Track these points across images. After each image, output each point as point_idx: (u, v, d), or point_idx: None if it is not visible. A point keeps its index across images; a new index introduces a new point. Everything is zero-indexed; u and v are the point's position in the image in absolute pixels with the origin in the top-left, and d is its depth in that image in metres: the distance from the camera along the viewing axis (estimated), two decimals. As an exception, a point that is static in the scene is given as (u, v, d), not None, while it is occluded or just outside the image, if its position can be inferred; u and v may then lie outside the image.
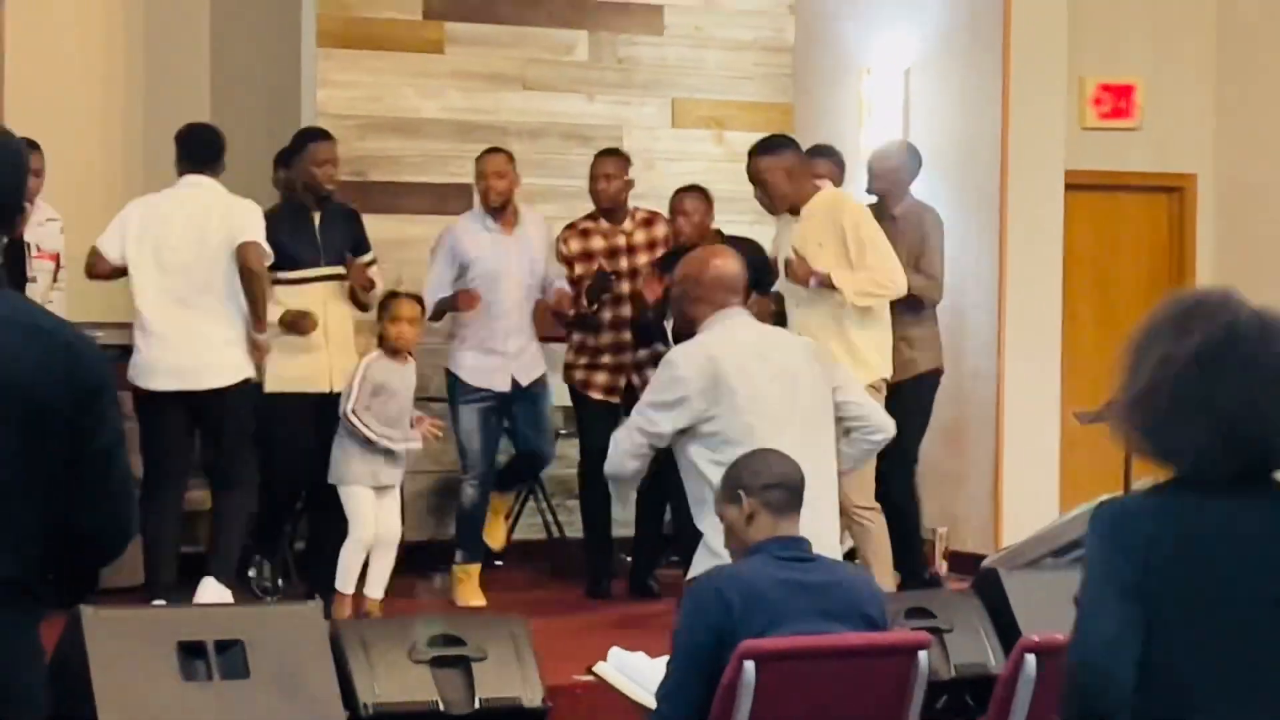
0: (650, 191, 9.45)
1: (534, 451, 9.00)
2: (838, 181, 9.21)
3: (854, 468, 6.75)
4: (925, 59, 10.23)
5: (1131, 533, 3.29)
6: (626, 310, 9.02)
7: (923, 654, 5.27)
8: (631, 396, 8.74)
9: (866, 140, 10.00)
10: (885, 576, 8.31)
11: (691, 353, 6.37)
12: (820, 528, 5.81)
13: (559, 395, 9.26)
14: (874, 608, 5.30)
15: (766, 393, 6.29)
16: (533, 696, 6.19)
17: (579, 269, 9.01)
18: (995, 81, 9.82)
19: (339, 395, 8.20)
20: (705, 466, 6.25)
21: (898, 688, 5.25)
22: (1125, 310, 10.15)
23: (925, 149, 9.51)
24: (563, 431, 9.62)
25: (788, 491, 5.31)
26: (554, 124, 10.04)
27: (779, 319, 8.18)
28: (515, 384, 8.79)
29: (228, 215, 8.02)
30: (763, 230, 8.91)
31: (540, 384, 8.95)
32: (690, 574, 6.23)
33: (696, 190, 8.97)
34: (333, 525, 8.27)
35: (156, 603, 7.82)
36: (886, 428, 6.61)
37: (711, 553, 6.16)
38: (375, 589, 8.05)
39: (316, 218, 8.53)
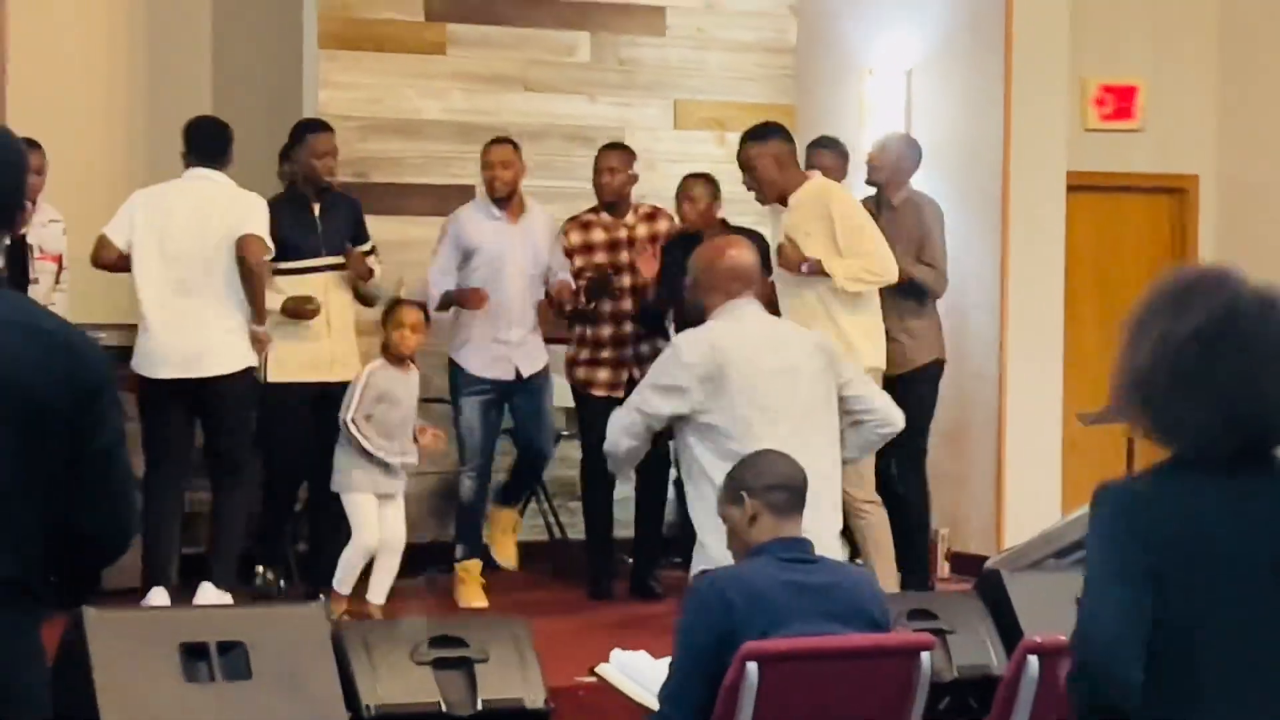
0: (652, 193, 9.45)
1: (533, 446, 8.99)
2: (841, 174, 9.26)
3: (859, 456, 6.77)
4: (927, 60, 10.23)
5: (1135, 513, 3.29)
6: (628, 304, 9.03)
7: (925, 655, 5.27)
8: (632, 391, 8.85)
9: (868, 141, 9.99)
10: (887, 570, 8.33)
11: (697, 340, 6.41)
12: (819, 526, 5.82)
13: (561, 396, 9.26)
14: (877, 609, 5.30)
15: (767, 387, 6.31)
16: (535, 698, 6.19)
17: (579, 261, 9.04)
18: (997, 82, 9.82)
19: (340, 384, 8.25)
20: (701, 456, 6.29)
21: (900, 689, 5.25)
22: (1127, 311, 10.14)
23: (927, 150, 9.51)
24: (565, 433, 9.62)
25: (790, 493, 5.31)
26: (556, 125, 10.04)
27: (771, 308, 8.21)
28: (518, 374, 8.80)
29: (231, 207, 8.05)
30: (765, 230, 8.91)
31: (542, 377, 8.95)
32: (691, 569, 6.25)
33: (704, 178, 9.01)
34: (334, 525, 8.29)
35: (155, 589, 7.82)
36: (895, 420, 6.62)
37: (703, 546, 6.18)
38: (377, 594, 8.06)
39: (317, 208, 8.59)
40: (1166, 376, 3.29)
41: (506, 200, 8.81)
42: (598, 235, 9.12)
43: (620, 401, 8.82)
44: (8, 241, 8.34)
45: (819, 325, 7.79)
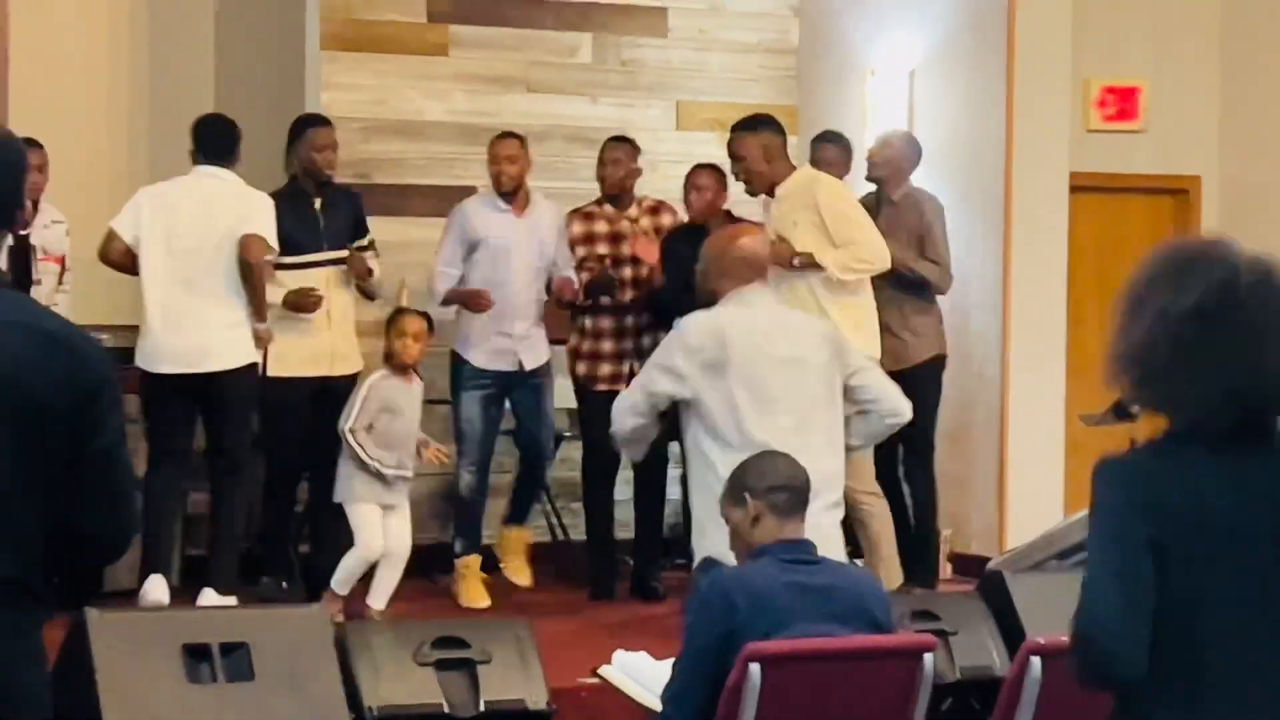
0: (654, 194, 9.44)
1: (534, 443, 8.97)
2: (845, 168, 9.29)
3: (865, 444, 6.77)
4: (930, 61, 10.23)
5: (1136, 485, 3.29)
6: (628, 295, 9.05)
7: (928, 656, 5.27)
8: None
9: (870, 141, 10.00)
10: (889, 561, 8.36)
11: (702, 323, 6.44)
12: (818, 520, 5.84)
13: (562, 398, 9.26)
14: (879, 610, 5.30)
15: (771, 376, 6.33)
16: (537, 699, 6.19)
17: (581, 251, 9.05)
18: (1000, 84, 9.82)
19: (341, 379, 8.26)
20: (701, 441, 6.34)
21: (903, 690, 5.25)
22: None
23: (930, 151, 9.51)
24: (567, 434, 9.62)
25: (792, 494, 5.32)
26: (558, 126, 10.04)
27: None
28: (520, 366, 8.81)
29: (237, 205, 8.08)
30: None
31: (544, 372, 8.94)
32: (696, 554, 6.26)
33: (712, 168, 9.03)
34: (335, 526, 8.30)
35: (153, 576, 7.81)
36: (903, 410, 6.62)
37: (703, 532, 6.19)
38: (379, 600, 8.06)
39: (318, 203, 8.61)
40: (1166, 351, 3.29)
41: (513, 194, 8.83)
42: (600, 226, 9.14)
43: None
44: (11, 242, 8.40)
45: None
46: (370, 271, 8.63)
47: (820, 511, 6.06)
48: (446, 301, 8.78)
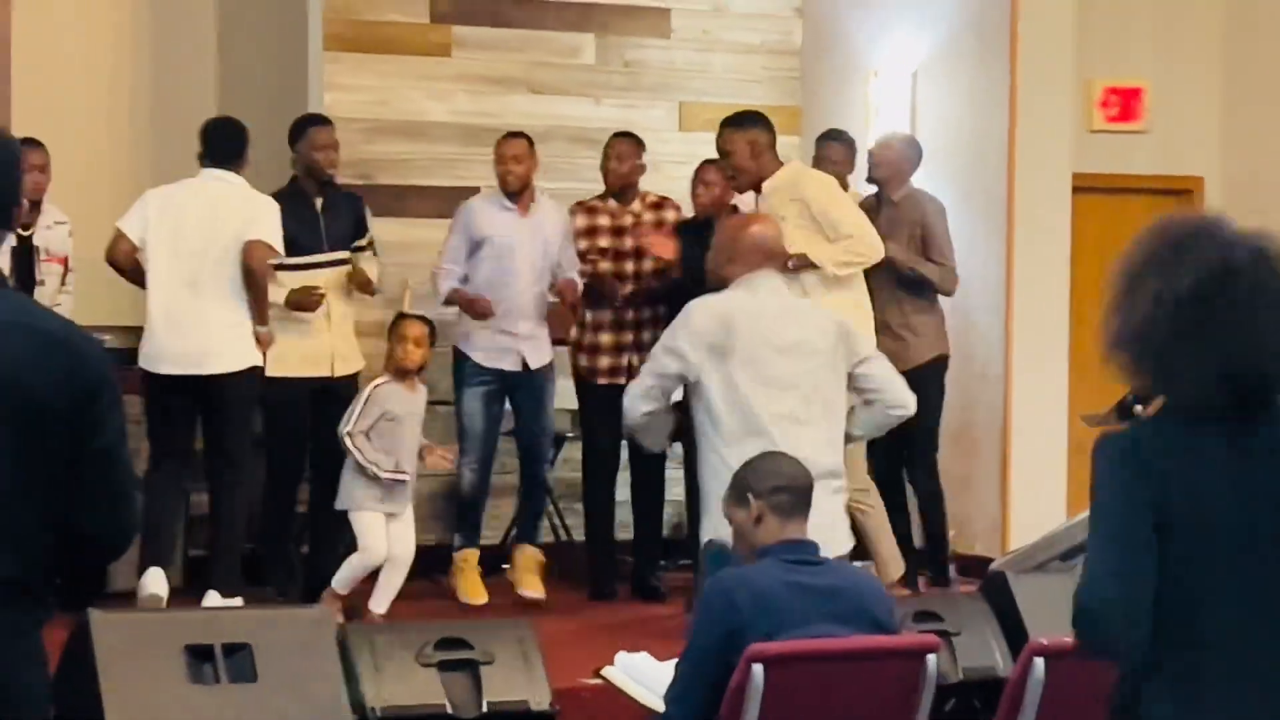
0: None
1: (534, 445, 8.95)
2: (849, 166, 9.31)
3: (867, 434, 6.76)
4: (932, 61, 10.23)
5: (1139, 461, 3.30)
6: (629, 288, 9.05)
7: (931, 657, 5.27)
8: (631, 378, 8.86)
9: (873, 142, 10.00)
10: (889, 554, 8.37)
11: (710, 306, 6.46)
12: (824, 503, 5.87)
13: (564, 398, 9.26)
14: (882, 611, 5.30)
15: (773, 360, 6.34)
16: (540, 699, 6.19)
17: (583, 244, 9.07)
18: (1002, 84, 9.82)
19: (341, 379, 8.26)
20: (705, 425, 6.38)
21: (906, 691, 5.25)
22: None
23: (933, 151, 9.51)
24: (570, 435, 9.62)
25: (795, 494, 5.33)
26: (561, 127, 10.04)
27: None
28: (524, 365, 8.81)
29: (243, 208, 8.08)
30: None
31: (546, 373, 8.93)
32: (702, 536, 6.27)
33: (719, 162, 9.02)
34: (335, 527, 8.31)
35: (152, 569, 7.80)
36: (906, 404, 6.61)
37: (709, 513, 6.21)
38: (380, 604, 8.05)
39: (319, 203, 8.61)
40: (1164, 333, 3.30)
41: (519, 194, 8.84)
42: (603, 220, 9.17)
43: (622, 389, 8.91)
44: (14, 242, 8.40)
45: None
46: (370, 282, 8.63)
47: (825, 496, 6.09)
48: (449, 301, 8.79)
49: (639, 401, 6.49)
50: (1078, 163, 10.01)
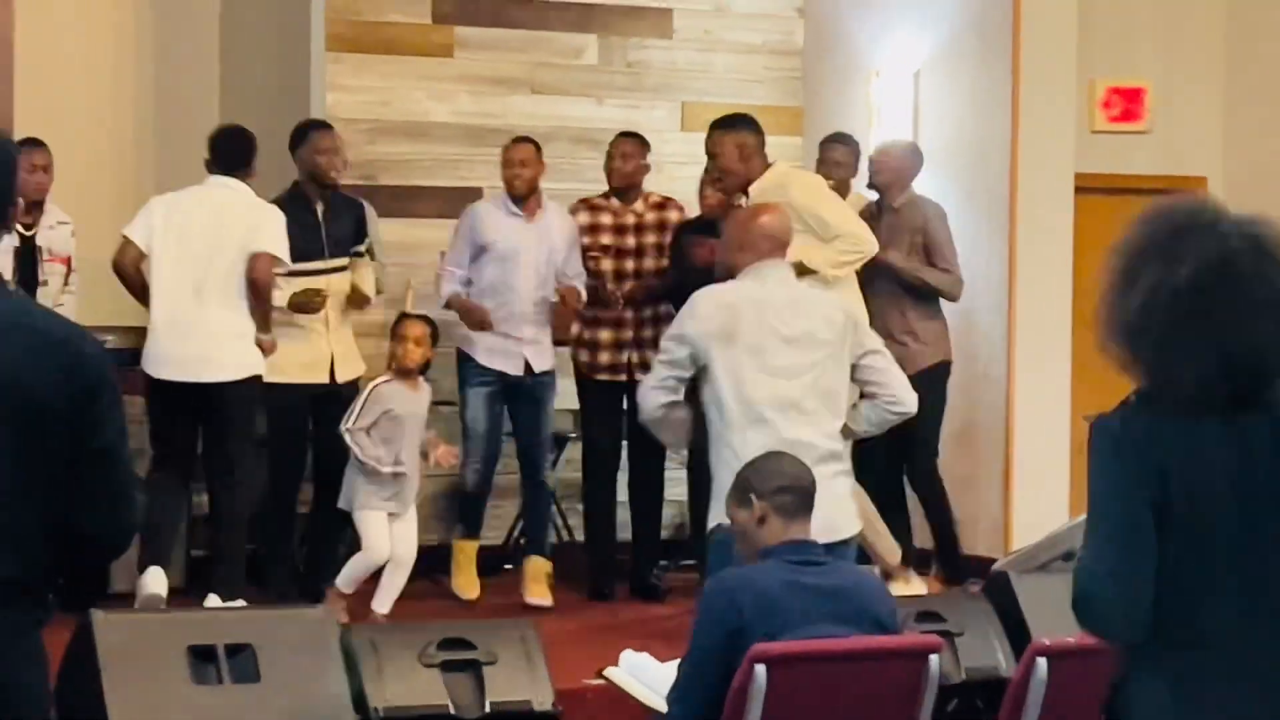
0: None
1: (532, 450, 8.93)
2: (853, 169, 9.31)
3: (869, 431, 6.75)
4: (935, 61, 10.22)
5: (1138, 445, 3.29)
6: (628, 286, 9.06)
7: (933, 657, 5.27)
8: (631, 375, 8.92)
9: (876, 143, 10.00)
10: (883, 537, 8.39)
11: (715, 295, 6.50)
12: (830, 485, 5.90)
13: (566, 399, 9.26)
14: (885, 611, 5.31)
15: (777, 348, 6.36)
16: (543, 700, 6.19)
17: (585, 241, 9.07)
18: (1005, 84, 9.82)
19: (342, 385, 8.25)
20: (714, 414, 6.38)
21: (908, 691, 5.25)
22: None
23: (935, 151, 9.51)
24: (572, 435, 9.61)
25: (798, 495, 5.33)
26: (563, 128, 10.04)
27: None
28: (527, 368, 8.80)
29: (247, 216, 8.07)
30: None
31: (547, 382, 8.92)
32: (710, 523, 6.28)
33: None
34: (336, 528, 8.32)
35: (151, 569, 7.79)
36: (907, 401, 6.61)
37: (719, 499, 6.22)
38: (383, 604, 8.05)
39: (320, 209, 8.58)
40: (1162, 325, 3.30)
41: (525, 199, 8.83)
42: (605, 219, 9.17)
43: (623, 385, 8.96)
44: (17, 242, 8.40)
45: None
46: (366, 299, 8.60)
47: (831, 477, 6.13)
48: (449, 305, 8.78)
49: (654, 393, 6.50)
50: (1080, 163, 10.01)
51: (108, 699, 5.65)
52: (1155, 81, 10.73)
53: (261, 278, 8.00)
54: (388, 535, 8.02)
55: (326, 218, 8.59)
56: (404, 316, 8.37)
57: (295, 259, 8.38)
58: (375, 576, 8.09)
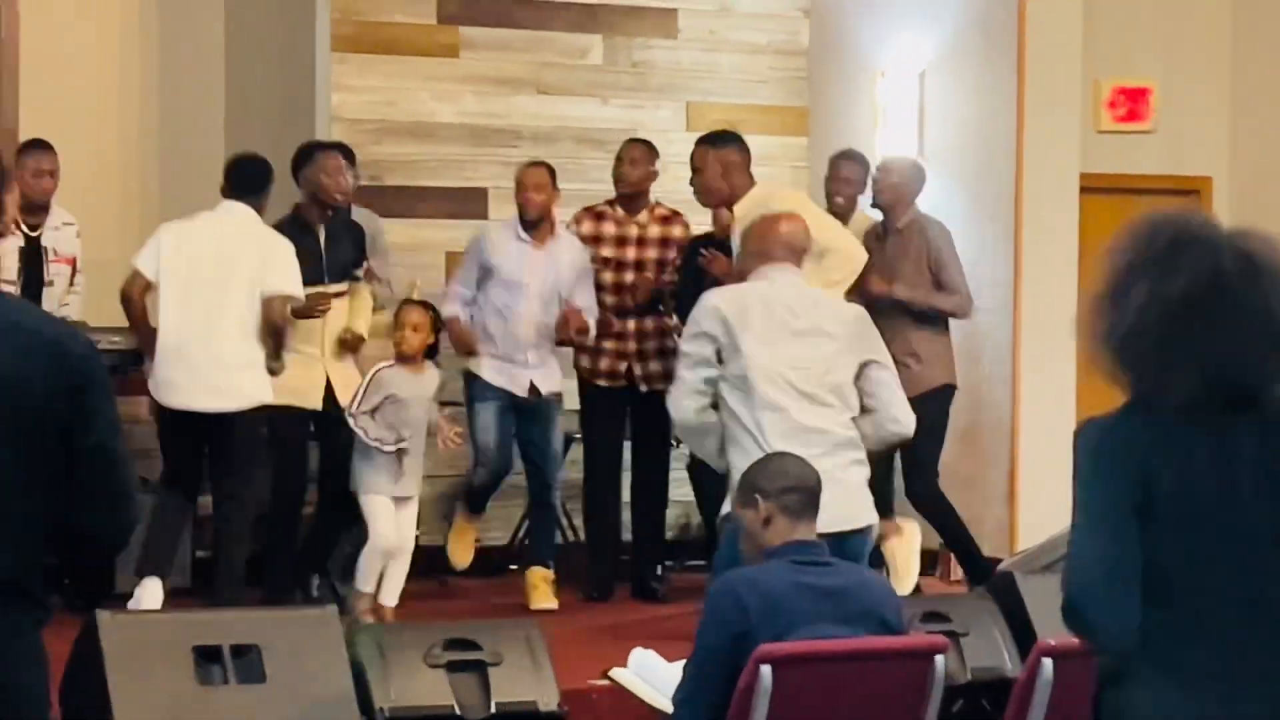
0: (664, 195, 9.43)
1: (539, 471, 8.90)
2: (862, 186, 9.28)
3: (869, 448, 6.74)
4: (940, 62, 10.22)
5: (1123, 451, 3.30)
6: (626, 299, 9.04)
7: (939, 658, 5.27)
8: (632, 382, 8.96)
9: (881, 143, 10.00)
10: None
11: (725, 292, 6.64)
12: (844, 475, 5.90)
13: (569, 399, 9.25)
14: (890, 612, 5.30)
15: (788, 341, 6.41)
16: (549, 700, 6.19)
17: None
18: (1010, 84, 9.81)
19: (337, 410, 8.22)
20: (734, 405, 6.43)
21: (914, 691, 5.25)
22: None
23: (940, 152, 9.50)
24: (577, 436, 9.61)
25: (804, 495, 5.32)
26: (568, 128, 10.04)
27: None
28: (533, 388, 8.77)
29: (258, 247, 8.00)
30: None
31: (553, 403, 8.88)
32: (724, 510, 6.31)
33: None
34: (337, 529, 8.32)
35: (148, 579, 7.76)
36: (904, 420, 6.62)
37: (731, 486, 6.24)
38: (389, 597, 8.07)
39: (322, 233, 8.45)
40: (1153, 340, 3.30)
41: (536, 224, 8.78)
42: (608, 229, 9.13)
43: (624, 390, 8.98)
44: (23, 243, 8.40)
45: None
46: (362, 339, 8.52)
47: (844, 467, 6.18)
48: (446, 326, 8.66)
49: (685, 399, 6.54)
50: (1085, 163, 10.00)
51: (113, 699, 5.65)
52: (1160, 81, 10.73)
53: (278, 320, 7.98)
54: (393, 520, 8.02)
55: (328, 242, 8.47)
56: (405, 303, 8.36)
57: None
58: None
